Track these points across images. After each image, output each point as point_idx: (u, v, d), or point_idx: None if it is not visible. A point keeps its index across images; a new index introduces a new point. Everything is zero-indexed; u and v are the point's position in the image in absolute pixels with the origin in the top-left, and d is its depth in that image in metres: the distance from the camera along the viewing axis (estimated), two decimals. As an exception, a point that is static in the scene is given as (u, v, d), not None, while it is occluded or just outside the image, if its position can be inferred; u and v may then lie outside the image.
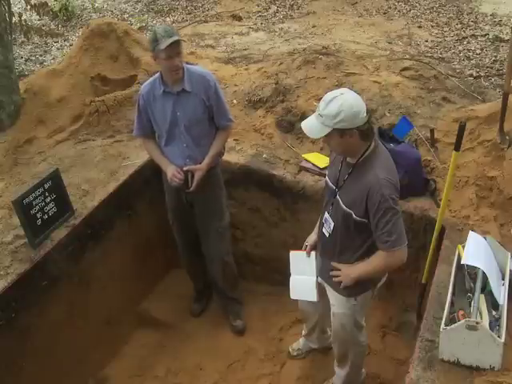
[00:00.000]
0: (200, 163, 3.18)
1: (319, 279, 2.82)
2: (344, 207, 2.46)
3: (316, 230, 2.82)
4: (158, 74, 3.09)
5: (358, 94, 2.40)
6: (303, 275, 2.84)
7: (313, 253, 2.81)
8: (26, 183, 3.61)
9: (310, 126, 2.34)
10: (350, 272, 2.57)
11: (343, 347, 2.94)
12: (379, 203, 2.30)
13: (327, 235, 2.63)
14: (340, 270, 2.61)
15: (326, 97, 2.29)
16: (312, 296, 2.84)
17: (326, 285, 2.80)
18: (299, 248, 2.90)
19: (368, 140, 2.36)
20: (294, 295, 2.93)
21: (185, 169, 3.16)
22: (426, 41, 5.42)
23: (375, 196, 2.30)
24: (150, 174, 3.80)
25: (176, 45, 2.87)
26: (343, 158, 2.50)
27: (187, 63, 3.19)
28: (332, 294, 2.77)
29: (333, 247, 2.63)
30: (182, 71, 3.03)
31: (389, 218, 2.32)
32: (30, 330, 3.11)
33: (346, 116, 2.23)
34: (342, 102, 2.24)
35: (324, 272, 2.75)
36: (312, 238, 2.85)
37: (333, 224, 2.57)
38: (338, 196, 2.50)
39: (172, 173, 3.14)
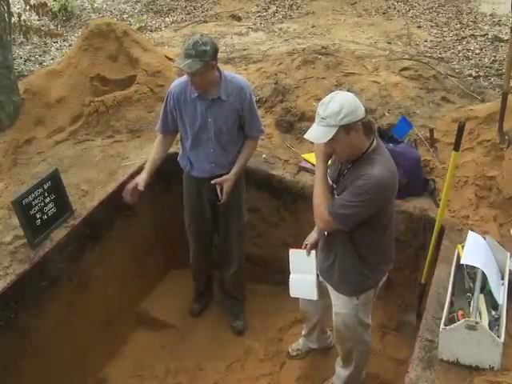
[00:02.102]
0: (225, 167, 3.16)
1: (320, 278, 2.82)
2: None
3: (316, 228, 2.82)
4: None
5: (356, 94, 2.42)
6: (303, 273, 2.84)
7: (313, 251, 2.81)
8: (25, 183, 3.61)
9: (315, 132, 2.31)
10: (318, 159, 2.52)
11: (347, 346, 2.94)
12: (359, 187, 2.31)
13: (326, 234, 2.63)
14: None
15: (324, 100, 2.31)
16: (312, 294, 2.84)
17: (327, 284, 2.80)
18: (299, 248, 2.90)
19: (371, 133, 2.37)
20: (293, 293, 2.93)
21: (213, 182, 3.14)
22: (426, 41, 5.43)
23: (359, 181, 2.31)
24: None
25: (192, 68, 2.79)
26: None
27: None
28: (334, 294, 2.77)
29: (332, 246, 2.62)
30: (217, 77, 2.97)
31: (354, 200, 2.32)
32: (30, 330, 3.11)
33: (349, 110, 2.24)
34: (341, 99, 2.27)
35: (325, 271, 2.75)
36: (312, 236, 2.85)
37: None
38: (334, 191, 2.51)
39: (131, 184, 3.12)
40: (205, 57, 2.79)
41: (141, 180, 3.11)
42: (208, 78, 2.91)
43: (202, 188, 3.30)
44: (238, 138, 3.18)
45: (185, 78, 3.04)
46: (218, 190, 3.17)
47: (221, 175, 3.18)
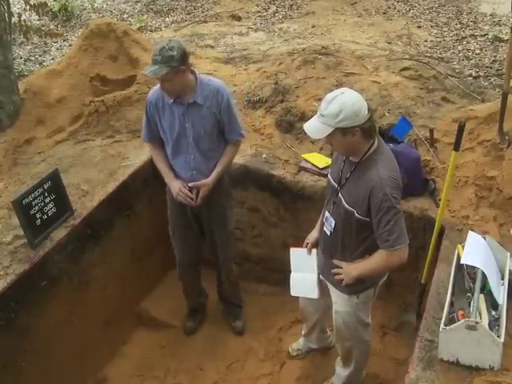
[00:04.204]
0: (207, 175, 3.12)
1: (321, 277, 2.82)
2: (346, 205, 2.46)
3: (317, 227, 2.82)
4: None
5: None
6: (304, 272, 2.84)
7: (314, 250, 2.82)
8: (25, 183, 3.61)
9: (312, 127, 2.34)
10: (351, 270, 2.57)
11: (347, 346, 2.95)
12: (381, 202, 2.31)
13: (328, 233, 2.63)
14: (341, 267, 2.62)
15: (327, 97, 2.30)
16: (313, 293, 2.84)
17: (327, 283, 2.80)
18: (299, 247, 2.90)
19: (371, 138, 2.36)
20: (294, 292, 2.93)
21: (190, 185, 3.11)
22: (426, 41, 5.42)
23: (378, 194, 2.31)
24: (150, 174, 3.80)
25: (158, 74, 2.77)
26: (346, 156, 2.50)
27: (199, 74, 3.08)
28: (334, 292, 2.78)
29: (334, 245, 2.63)
30: (192, 81, 2.95)
31: (390, 216, 2.33)
32: (30, 330, 3.11)
33: (347, 115, 2.23)
34: (343, 101, 2.25)
35: (325, 270, 2.76)
36: (313, 235, 2.85)
37: (334, 222, 2.58)
38: (340, 194, 2.51)
39: (178, 188, 3.11)
40: (171, 62, 2.76)
41: (181, 186, 3.12)
42: (178, 83, 2.87)
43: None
44: (219, 144, 3.14)
45: None
46: (194, 193, 3.14)
47: None
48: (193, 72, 2.99)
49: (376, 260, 2.49)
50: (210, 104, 2.99)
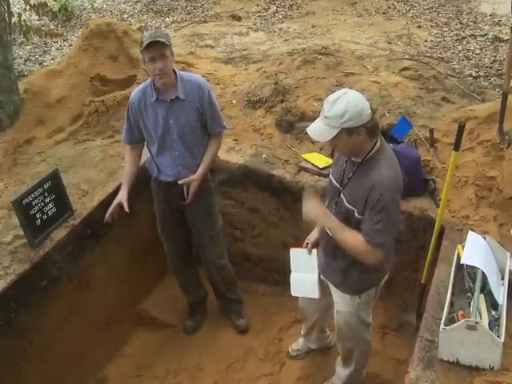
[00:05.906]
0: (194, 171, 3.13)
1: (322, 277, 2.82)
2: (347, 205, 2.46)
3: (317, 227, 2.82)
4: (149, 81, 3.02)
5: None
6: (304, 272, 2.84)
7: (314, 250, 2.81)
8: (25, 183, 3.62)
9: (317, 130, 2.32)
10: (327, 219, 2.51)
11: (348, 345, 2.94)
12: (377, 201, 2.30)
13: (329, 233, 2.63)
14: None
15: (330, 98, 2.29)
16: (314, 293, 2.84)
17: (328, 283, 2.80)
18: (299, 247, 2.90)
19: (374, 137, 2.36)
20: (294, 292, 2.93)
21: (180, 182, 3.11)
22: (426, 41, 5.42)
23: (375, 193, 2.30)
24: (149, 174, 3.80)
25: (157, 46, 2.80)
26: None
27: (181, 70, 3.12)
28: (335, 292, 2.77)
29: (335, 245, 2.62)
30: (173, 77, 2.98)
31: (381, 217, 2.31)
32: (30, 330, 3.11)
33: (352, 114, 2.23)
34: (347, 101, 2.24)
35: (326, 270, 2.76)
36: (313, 235, 2.84)
37: (336, 222, 2.57)
38: (342, 195, 2.51)
39: (118, 200, 3.09)
40: (168, 38, 2.87)
41: (124, 201, 3.08)
42: (171, 62, 2.93)
43: (170, 193, 3.25)
44: (203, 138, 3.16)
45: (142, 85, 3.07)
46: (185, 189, 3.14)
47: None
48: (173, 69, 3.03)
49: (351, 238, 2.40)
50: (193, 99, 3.03)
